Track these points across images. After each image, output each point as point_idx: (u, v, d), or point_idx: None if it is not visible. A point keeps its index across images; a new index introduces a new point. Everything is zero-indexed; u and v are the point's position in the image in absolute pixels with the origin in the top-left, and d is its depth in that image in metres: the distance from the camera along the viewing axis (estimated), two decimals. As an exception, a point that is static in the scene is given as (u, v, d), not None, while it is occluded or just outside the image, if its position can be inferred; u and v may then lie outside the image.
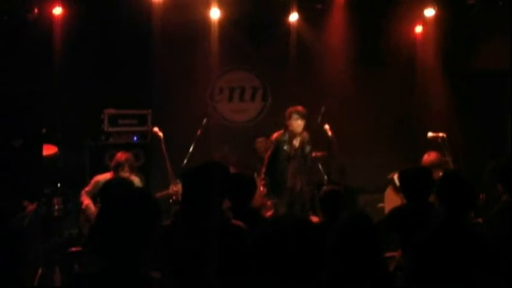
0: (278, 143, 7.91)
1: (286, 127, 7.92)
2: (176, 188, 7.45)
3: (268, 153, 7.96)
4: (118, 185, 4.76)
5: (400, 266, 4.65)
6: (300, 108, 7.86)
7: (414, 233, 3.96)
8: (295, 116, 7.80)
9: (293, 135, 7.89)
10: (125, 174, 6.79)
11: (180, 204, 5.68)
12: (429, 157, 6.95)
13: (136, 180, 6.97)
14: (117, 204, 2.63)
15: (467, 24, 9.59)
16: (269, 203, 7.73)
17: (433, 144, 7.92)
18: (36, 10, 8.64)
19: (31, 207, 6.76)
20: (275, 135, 7.99)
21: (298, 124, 7.81)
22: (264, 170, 7.88)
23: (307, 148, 7.97)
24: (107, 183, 5.28)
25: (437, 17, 9.62)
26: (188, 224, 3.56)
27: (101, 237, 2.59)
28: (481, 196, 5.83)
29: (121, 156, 6.98)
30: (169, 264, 3.45)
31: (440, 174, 4.93)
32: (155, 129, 8.09)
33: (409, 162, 6.97)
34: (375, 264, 3.41)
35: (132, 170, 6.99)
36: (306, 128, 7.95)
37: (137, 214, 2.57)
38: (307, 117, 7.87)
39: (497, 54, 9.32)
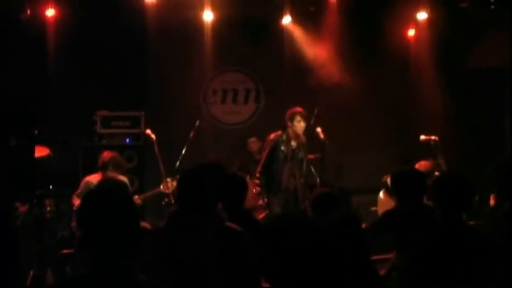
0: (276, 143, 7.89)
1: (285, 128, 7.92)
2: (169, 189, 7.45)
3: (265, 153, 7.93)
4: (112, 187, 4.75)
5: (395, 268, 4.66)
6: (301, 109, 7.88)
7: (411, 234, 3.96)
8: (298, 118, 7.81)
9: (292, 136, 7.90)
10: (111, 174, 6.78)
11: (174, 205, 5.66)
12: (420, 167, 6.97)
13: (125, 181, 6.94)
14: (97, 200, 2.62)
15: (460, 26, 9.62)
16: (261, 202, 7.74)
17: (425, 147, 7.96)
18: (28, 11, 8.62)
19: (23, 208, 6.74)
20: (272, 135, 7.95)
21: (301, 126, 7.83)
22: (259, 169, 7.86)
23: (302, 152, 7.99)
24: (100, 185, 5.28)
25: (429, 20, 9.66)
26: (184, 225, 3.55)
27: (84, 233, 2.58)
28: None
29: (106, 155, 7.00)
30: (163, 266, 3.44)
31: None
32: (148, 131, 8.10)
33: (403, 164, 7.01)
34: (362, 267, 3.40)
35: (118, 170, 6.95)
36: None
37: (115, 208, 2.56)
38: (307, 120, 7.90)
39: (491, 55, 9.37)
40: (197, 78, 9.87)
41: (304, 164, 8.03)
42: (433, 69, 9.85)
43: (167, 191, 7.54)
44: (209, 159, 8.43)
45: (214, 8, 9.16)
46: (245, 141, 9.42)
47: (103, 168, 6.91)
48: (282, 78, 9.75)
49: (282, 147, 7.87)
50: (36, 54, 8.62)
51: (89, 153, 8.35)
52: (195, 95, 10.17)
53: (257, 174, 7.82)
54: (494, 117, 9.70)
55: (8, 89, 7.33)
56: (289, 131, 7.89)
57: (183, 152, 8.22)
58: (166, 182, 7.50)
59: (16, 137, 6.17)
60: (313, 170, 8.42)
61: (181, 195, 3.68)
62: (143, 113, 8.76)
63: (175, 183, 7.07)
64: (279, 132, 7.94)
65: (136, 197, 7.26)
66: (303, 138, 7.99)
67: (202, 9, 9.15)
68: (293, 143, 7.92)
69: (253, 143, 9.26)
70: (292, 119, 7.83)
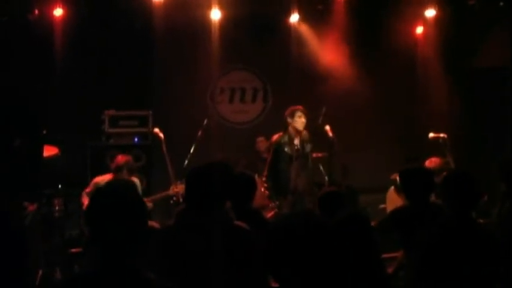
0: (278, 145, 7.89)
1: (286, 128, 7.92)
2: (178, 188, 7.45)
3: (269, 156, 7.93)
4: (121, 186, 4.75)
5: (402, 266, 4.65)
6: (301, 107, 7.89)
7: (419, 232, 3.94)
8: (298, 113, 7.84)
9: (293, 135, 7.89)
10: (124, 176, 6.82)
11: (183, 204, 5.65)
12: (430, 163, 6.93)
13: (136, 181, 6.98)
14: (104, 198, 2.62)
15: (467, 24, 9.58)
16: (271, 204, 7.72)
17: (434, 145, 7.93)
18: (36, 11, 8.64)
19: (31, 208, 6.75)
20: (275, 137, 7.97)
21: (302, 121, 7.85)
22: (265, 173, 7.83)
23: (308, 147, 7.97)
24: (109, 184, 5.27)
25: (437, 17, 9.63)
26: (191, 224, 3.54)
27: (91, 231, 2.58)
28: (483, 196, 5.80)
29: (120, 159, 7.03)
30: (171, 265, 3.44)
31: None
32: (156, 130, 8.10)
33: (411, 162, 6.98)
34: (370, 266, 3.38)
35: (131, 173, 7.01)
36: (307, 128, 7.95)
37: (123, 207, 2.56)
38: (307, 116, 7.89)
39: (499, 53, 9.33)
40: (204, 77, 9.87)
41: (310, 160, 7.99)
42: (441, 66, 9.82)
43: (175, 190, 7.53)
44: (217, 159, 8.41)
45: (222, 7, 9.16)
46: (253, 140, 9.42)
47: (117, 171, 6.93)
48: (290, 77, 9.73)
49: (286, 149, 7.86)
50: (43, 53, 8.64)
51: (97, 152, 8.37)
52: (202, 94, 10.17)
53: (264, 178, 7.79)
54: (498, 116, 9.65)
55: (16, 88, 7.33)
56: (290, 129, 7.89)
57: (191, 150, 8.23)
58: (176, 184, 7.51)
59: (23, 137, 6.18)
60: (321, 168, 8.40)
61: (188, 194, 3.68)
62: (151, 112, 8.76)
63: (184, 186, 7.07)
64: (280, 133, 7.94)
65: (146, 199, 7.27)
66: (305, 134, 7.96)
67: (209, 8, 9.15)
68: (296, 142, 7.90)
69: (261, 142, 9.25)
70: (292, 115, 7.85)
